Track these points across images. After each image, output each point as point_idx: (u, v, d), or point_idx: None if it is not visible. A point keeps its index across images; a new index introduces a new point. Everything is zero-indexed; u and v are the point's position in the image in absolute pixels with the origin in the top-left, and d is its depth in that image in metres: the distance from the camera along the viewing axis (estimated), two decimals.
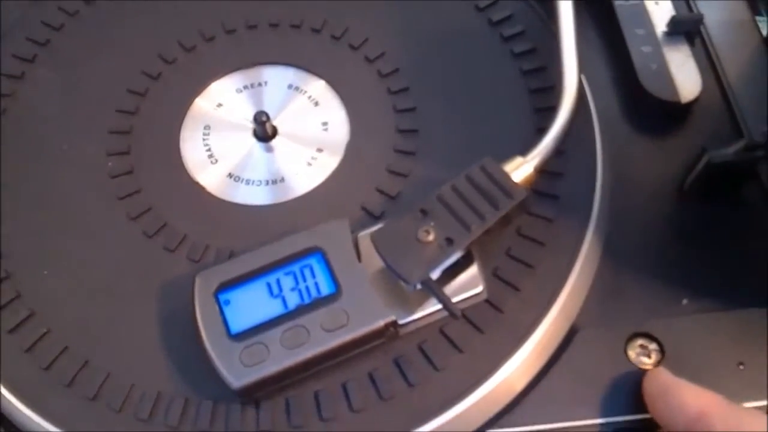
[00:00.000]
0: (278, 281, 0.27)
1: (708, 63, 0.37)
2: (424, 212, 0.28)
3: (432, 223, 0.28)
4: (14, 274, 0.30)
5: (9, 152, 0.33)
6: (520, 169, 0.29)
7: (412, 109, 0.34)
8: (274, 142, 0.34)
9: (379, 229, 0.28)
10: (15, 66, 0.36)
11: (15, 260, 0.31)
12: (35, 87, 0.35)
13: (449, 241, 0.27)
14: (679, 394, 0.25)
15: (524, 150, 0.31)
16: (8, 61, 0.36)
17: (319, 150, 0.34)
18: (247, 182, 0.33)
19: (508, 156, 0.30)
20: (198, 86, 0.35)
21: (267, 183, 0.33)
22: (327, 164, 0.33)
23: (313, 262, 0.28)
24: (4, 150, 0.33)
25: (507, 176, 0.29)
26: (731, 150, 0.32)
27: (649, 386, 0.26)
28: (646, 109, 0.36)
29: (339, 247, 0.28)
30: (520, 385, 0.28)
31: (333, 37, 0.37)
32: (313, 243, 0.28)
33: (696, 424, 0.24)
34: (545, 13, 0.37)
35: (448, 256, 0.27)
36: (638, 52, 0.37)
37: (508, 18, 0.37)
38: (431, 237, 0.27)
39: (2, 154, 0.33)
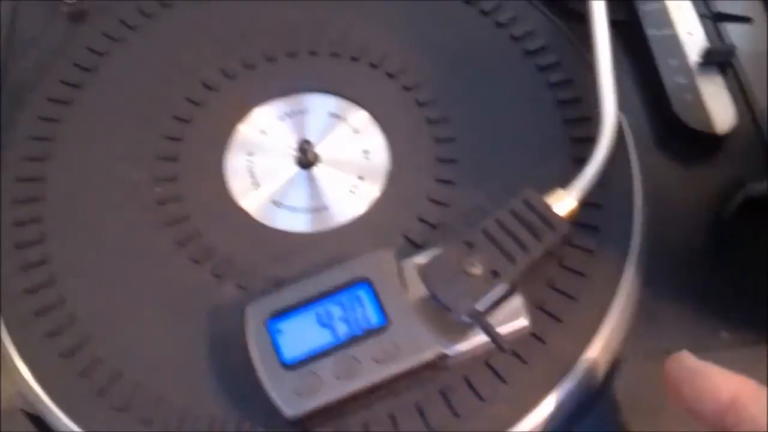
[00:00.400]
0: (328, 311, 0.28)
1: (741, 94, 0.38)
2: (469, 245, 0.29)
3: (477, 256, 0.28)
4: (67, 298, 0.31)
5: (60, 178, 0.34)
6: (562, 202, 0.30)
7: (451, 139, 0.35)
8: (316, 170, 0.35)
9: (426, 262, 0.29)
10: (63, 92, 0.36)
11: (67, 285, 0.32)
12: (83, 113, 0.36)
13: (495, 274, 0.28)
14: (711, 377, 0.24)
15: (561, 179, 0.32)
16: (56, 87, 0.37)
17: (361, 178, 0.34)
18: (291, 209, 0.34)
19: (546, 185, 0.31)
20: (241, 113, 0.36)
21: (310, 210, 0.34)
22: (368, 192, 0.34)
23: (362, 292, 0.28)
24: (56, 175, 0.34)
25: (549, 209, 0.29)
26: None
27: (674, 370, 0.25)
28: (682, 139, 0.36)
29: (386, 277, 0.29)
30: (564, 416, 0.28)
31: (371, 65, 0.37)
32: (361, 273, 0.29)
33: (729, 410, 0.23)
34: (580, 43, 0.38)
35: (494, 288, 0.28)
36: (672, 83, 0.37)
37: (543, 48, 0.37)
38: (477, 270, 0.28)
39: (54, 178, 0.34)
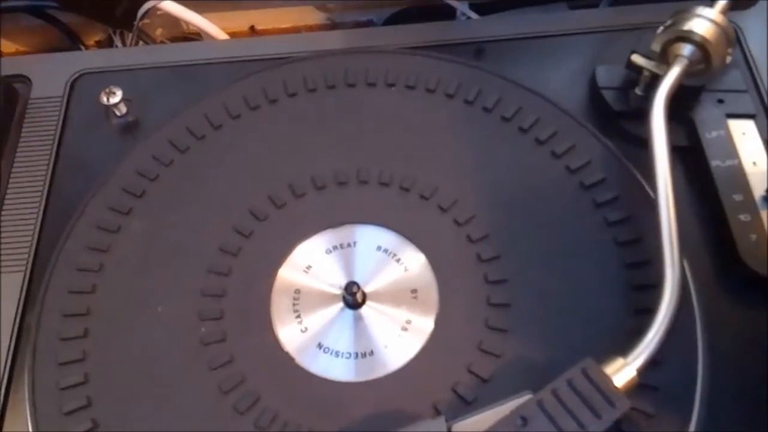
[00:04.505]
0: None
1: None
2: (523, 419, 0.27)
3: None
4: None
5: (105, 310, 0.34)
6: (622, 373, 0.28)
7: (503, 281, 0.34)
8: (363, 310, 0.34)
9: None
10: (111, 219, 0.36)
11: (107, 422, 0.31)
12: (131, 242, 0.36)
13: None
14: None
15: (619, 329, 0.31)
16: (105, 213, 0.36)
17: (408, 321, 0.33)
18: (336, 354, 0.33)
19: (603, 335, 0.30)
20: (288, 246, 0.35)
21: (356, 356, 0.33)
22: (416, 338, 0.33)
23: None
24: (101, 307, 0.34)
25: (610, 382, 0.28)
26: None
27: None
28: (746, 282, 0.34)
29: None
30: None
31: (422, 197, 0.36)
32: None
33: None
34: (639, 172, 0.36)
35: None
36: (736, 220, 0.36)
37: (602, 182, 0.36)
38: None
39: (99, 311, 0.34)
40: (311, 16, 0.63)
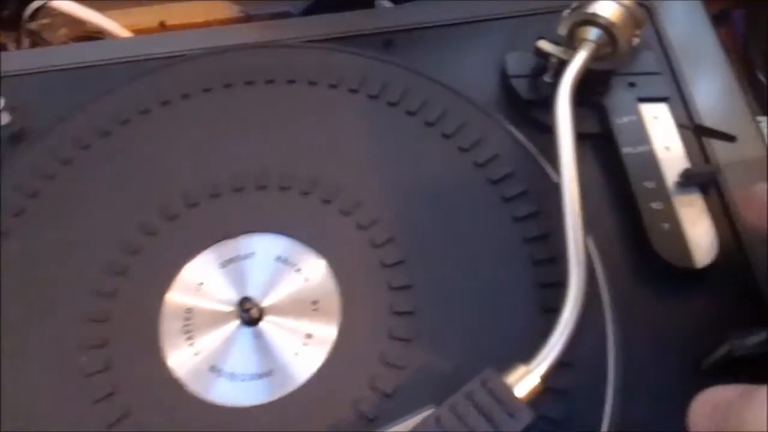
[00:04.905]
0: None
1: (725, 218, 0.35)
2: None
3: None
4: None
5: None
6: (525, 381, 0.27)
7: (407, 287, 0.32)
8: (260, 327, 0.32)
9: None
10: None
11: None
12: (6, 265, 0.33)
13: None
14: None
15: (530, 330, 0.29)
16: None
17: (309, 335, 0.31)
18: (232, 377, 0.31)
19: (511, 339, 0.29)
20: (178, 262, 0.33)
21: (252, 377, 0.30)
22: (319, 352, 0.31)
23: None
24: None
25: (510, 393, 0.26)
26: (754, 341, 0.30)
27: None
28: (659, 274, 0.33)
29: None
30: None
31: (324, 200, 0.34)
32: None
33: None
34: (549, 162, 0.35)
35: None
36: (648, 209, 0.34)
37: (510, 176, 0.35)
38: None
39: None
40: (224, 9, 0.60)
